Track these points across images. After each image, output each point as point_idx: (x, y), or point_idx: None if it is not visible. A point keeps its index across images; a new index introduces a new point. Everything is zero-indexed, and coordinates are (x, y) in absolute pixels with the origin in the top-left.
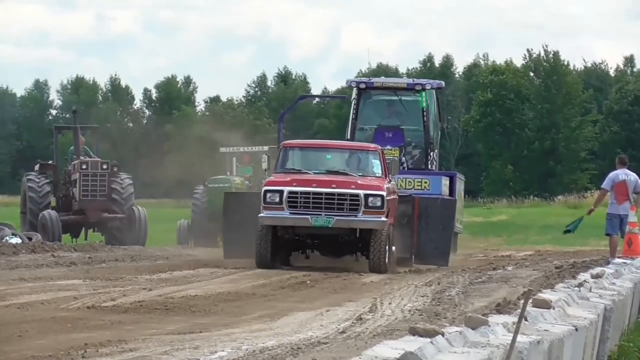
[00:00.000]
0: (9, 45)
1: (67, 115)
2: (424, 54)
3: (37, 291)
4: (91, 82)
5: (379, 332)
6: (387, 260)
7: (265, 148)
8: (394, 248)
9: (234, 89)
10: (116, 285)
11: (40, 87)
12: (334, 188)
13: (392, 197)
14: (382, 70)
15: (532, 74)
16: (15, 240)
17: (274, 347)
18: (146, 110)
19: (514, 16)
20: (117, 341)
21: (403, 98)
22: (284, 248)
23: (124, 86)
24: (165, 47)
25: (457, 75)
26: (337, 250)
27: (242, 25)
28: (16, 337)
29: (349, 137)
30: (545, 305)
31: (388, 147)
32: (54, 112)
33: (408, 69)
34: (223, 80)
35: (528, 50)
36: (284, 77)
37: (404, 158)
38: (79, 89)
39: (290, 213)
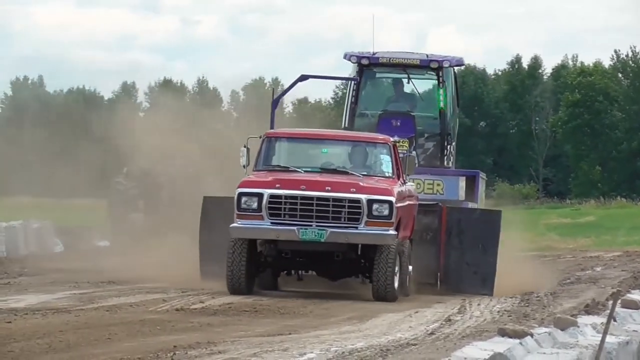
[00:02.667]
0: (96, 49)
1: None
2: (511, 55)
3: (125, 294)
4: (179, 84)
5: (467, 334)
6: (395, 284)
7: None
8: (410, 268)
9: (322, 91)
10: (204, 288)
11: (128, 90)
12: (328, 191)
13: (407, 203)
14: (469, 71)
15: (620, 75)
16: (104, 243)
17: (362, 349)
18: (233, 112)
19: (602, 17)
20: (205, 343)
21: (414, 78)
22: (265, 268)
23: (211, 88)
24: (250, 51)
25: (545, 77)
26: (333, 271)
27: (328, 29)
28: (105, 340)
29: (346, 124)
30: (634, 305)
31: (395, 137)
32: (141, 114)
33: (496, 70)
34: (310, 82)
35: (615, 52)
36: None
37: (414, 152)
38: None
39: (271, 223)
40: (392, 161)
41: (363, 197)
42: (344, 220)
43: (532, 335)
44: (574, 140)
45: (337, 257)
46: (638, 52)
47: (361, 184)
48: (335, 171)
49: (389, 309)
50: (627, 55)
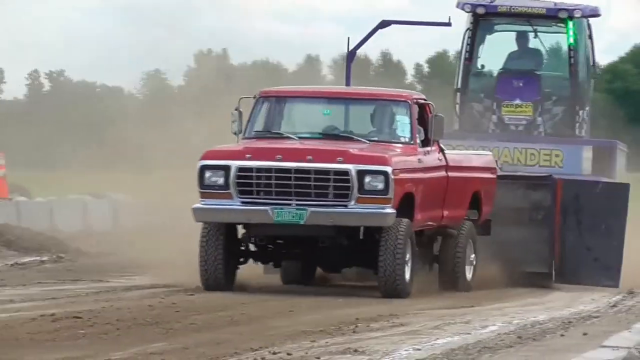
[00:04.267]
0: (280, 21)
1: None
2: None
3: None
4: (363, 57)
5: None
6: (406, 276)
7: None
8: (472, 258)
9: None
10: None
11: (312, 62)
12: (310, 161)
13: (432, 174)
14: None
15: None
16: None
17: (545, 321)
18: (417, 85)
19: None
20: (387, 316)
21: (541, 30)
22: (248, 258)
23: (395, 61)
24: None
25: None
26: (323, 261)
27: None
28: (287, 313)
29: (459, 85)
30: None
31: (517, 101)
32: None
33: None
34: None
35: None
36: None
37: (540, 118)
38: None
39: (241, 203)
40: (411, 123)
41: (351, 167)
42: (331, 197)
43: None
44: None
45: (321, 244)
46: None
47: (352, 151)
48: (337, 137)
49: None
50: None
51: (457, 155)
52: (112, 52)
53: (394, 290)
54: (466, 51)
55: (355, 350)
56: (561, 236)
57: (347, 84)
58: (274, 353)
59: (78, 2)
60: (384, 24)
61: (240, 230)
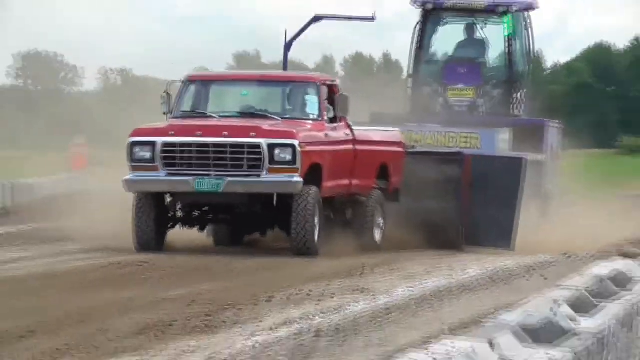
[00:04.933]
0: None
1: None
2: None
3: None
4: (368, 57)
5: (596, 256)
6: (315, 237)
7: None
8: (380, 221)
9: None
10: None
11: (328, 61)
12: (225, 137)
13: (338, 147)
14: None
15: None
16: None
17: (512, 267)
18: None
19: None
20: (387, 263)
21: (483, 23)
22: (176, 223)
23: (394, 60)
24: None
25: None
26: (243, 224)
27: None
28: (303, 263)
29: (411, 71)
30: None
31: (460, 85)
32: None
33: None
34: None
35: None
36: None
37: (480, 100)
38: None
39: (167, 174)
40: (318, 102)
41: (263, 141)
42: (245, 168)
43: None
44: None
45: (238, 210)
46: None
47: (264, 127)
48: (253, 115)
49: None
50: None
51: (364, 130)
52: (169, 52)
53: (305, 249)
54: (417, 42)
55: (363, 290)
56: (469, 205)
57: (285, 68)
58: (299, 291)
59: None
60: (316, 18)
61: (168, 199)
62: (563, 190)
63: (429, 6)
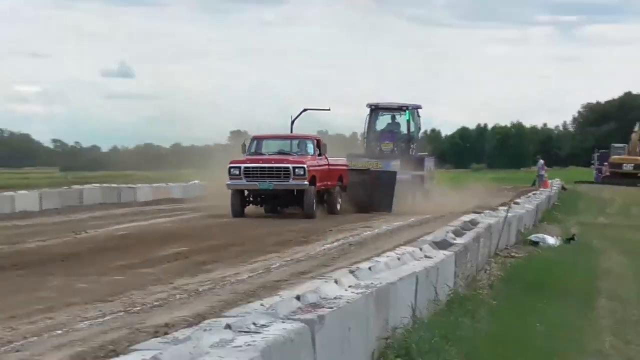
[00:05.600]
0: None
1: None
2: None
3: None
4: None
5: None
6: (314, 209)
7: None
8: (339, 200)
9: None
10: None
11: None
12: (273, 163)
13: (324, 167)
14: None
15: None
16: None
17: (415, 221)
18: None
19: None
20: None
21: (396, 114)
22: (249, 203)
23: None
24: None
25: None
26: (280, 203)
27: None
28: (326, 217)
29: (366, 135)
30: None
31: (387, 141)
32: None
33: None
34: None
35: None
36: None
37: (395, 148)
38: None
39: (246, 181)
40: (313, 147)
41: (290, 165)
42: (282, 177)
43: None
44: None
45: (279, 196)
46: None
47: (290, 158)
48: (283, 152)
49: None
50: None
51: (332, 159)
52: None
53: (310, 215)
54: (367, 123)
55: (365, 227)
56: (373, 193)
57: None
58: (332, 229)
59: None
60: (304, 110)
61: (246, 193)
62: (437, 189)
63: (373, 107)
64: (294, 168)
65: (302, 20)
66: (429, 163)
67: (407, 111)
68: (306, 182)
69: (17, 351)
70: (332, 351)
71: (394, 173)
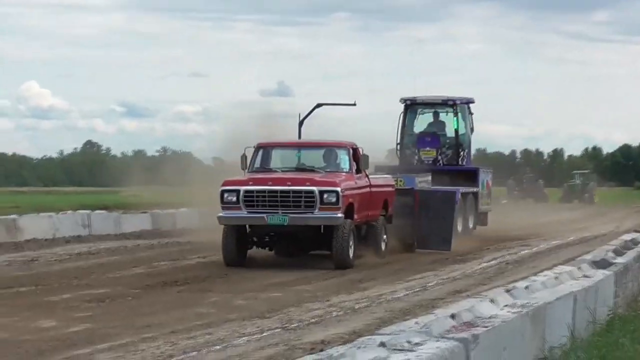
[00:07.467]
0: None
1: None
2: None
3: None
4: None
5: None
6: (350, 254)
7: None
8: (385, 237)
9: None
10: None
11: None
12: (289, 185)
13: (364, 190)
14: None
15: None
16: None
17: (509, 261)
18: None
19: None
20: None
21: (442, 111)
22: (252, 245)
23: None
24: None
25: None
26: (299, 245)
27: None
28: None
29: (399, 140)
30: None
31: (427, 148)
32: None
33: None
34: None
35: None
36: None
37: (439, 157)
38: None
39: (247, 212)
40: (349, 160)
41: (316, 188)
42: (303, 207)
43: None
44: None
45: (300, 236)
46: None
47: (316, 178)
48: (305, 169)
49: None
50: None
51: (374, 178)
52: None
53: (344, 263)
54: (401, 124)
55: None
56: (420, 223)
57: (299, 138)
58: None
59: None
60: (318, 105)
61: (248, 229)
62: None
63: (408, 102)
64: (322, 192)
65: (457, 37)
66: (485, 176)
67: (455, 107)
68: (340, 215)
69: None
70: None
71: (452, 194)
